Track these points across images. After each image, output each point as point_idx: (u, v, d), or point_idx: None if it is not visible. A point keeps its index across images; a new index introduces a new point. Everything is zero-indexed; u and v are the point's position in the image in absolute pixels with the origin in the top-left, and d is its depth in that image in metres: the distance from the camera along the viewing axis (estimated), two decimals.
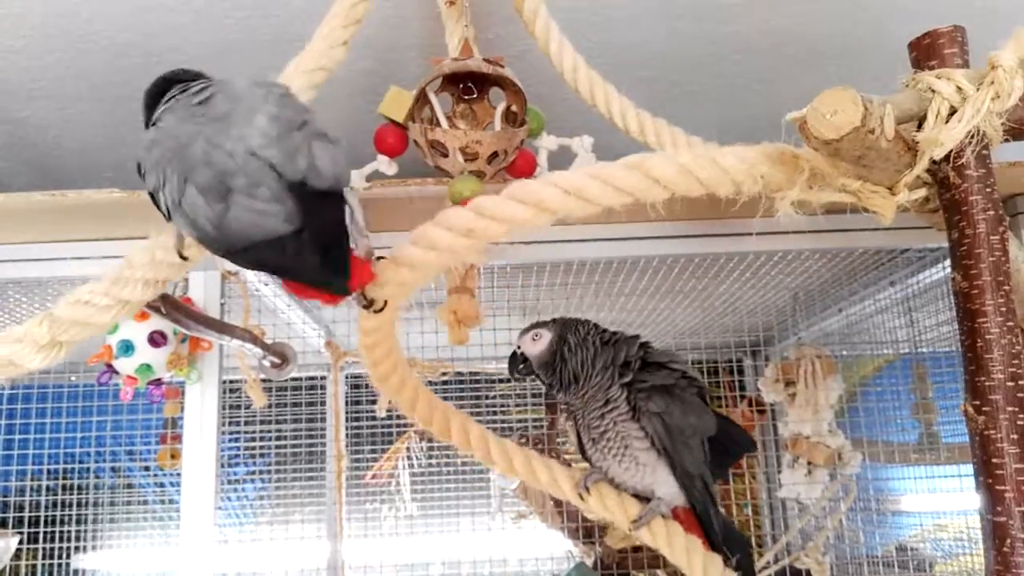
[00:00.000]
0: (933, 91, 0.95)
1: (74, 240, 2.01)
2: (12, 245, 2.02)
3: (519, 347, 1.60)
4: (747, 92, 2.32)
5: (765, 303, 2.59)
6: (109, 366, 1.85)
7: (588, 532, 2.40)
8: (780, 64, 2.15)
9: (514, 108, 1.56)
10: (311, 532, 3.41)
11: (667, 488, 1.50)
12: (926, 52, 1.01)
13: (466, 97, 1.60)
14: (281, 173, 1.07)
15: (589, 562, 2.39)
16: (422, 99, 1.54)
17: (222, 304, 1.99)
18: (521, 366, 1.59)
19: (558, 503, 2.46)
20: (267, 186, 1.07)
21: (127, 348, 1.80)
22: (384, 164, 1.59)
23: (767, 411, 2.98)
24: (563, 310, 2.60)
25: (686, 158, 0.91)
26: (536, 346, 1.56)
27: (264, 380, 2.17)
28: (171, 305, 1.55)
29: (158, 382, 1.92)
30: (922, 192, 1.00)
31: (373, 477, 3.44)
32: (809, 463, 2.47)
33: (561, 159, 1.65)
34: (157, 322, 1.81)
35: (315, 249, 1.06)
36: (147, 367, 1.82)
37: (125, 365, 1.82)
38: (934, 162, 0.96)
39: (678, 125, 1.71)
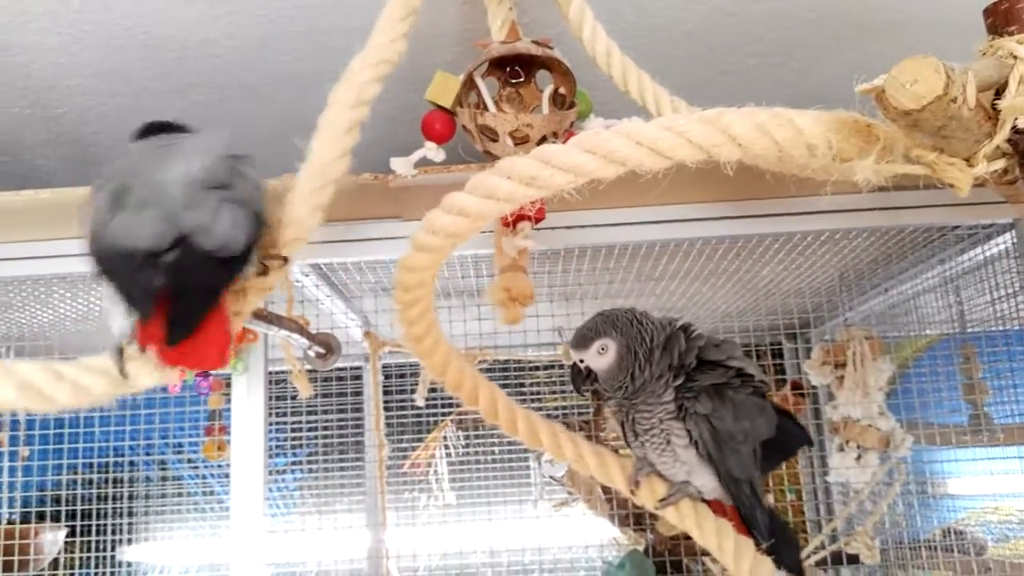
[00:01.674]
0: (1015, 57, 0.91)
1: None
2: (57, 241, 2.03)
3: (582, 360, 1.45)
4: (785, 70, 2.28)
5: (810, 284, 2.55)
6: None
7: (638, 519, 2.38)
8: (819, 41, 2.11)
9: (562, 90, 1.54)
10: (351, 522, 3.43)
11: (703, 481, 1.46)
12: (1004, 17, 0.97)
13: (513, 81, 1.57)
14: (173, 214, 1.14)
15: (640, 549, 2.37)
16: (469, 84, 1.52)
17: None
18: (586, 379, 1.45)
19: (607, 490, 2.45)
20: (155, 210, 1.14)
21: None
22: (432, 150, 1.58)
23: (809, 395, 2.95)
24: (603, 295, 2.57)
25: (764, 116, 0.87)
26: (603, 360, 1.42)
27: (308, 371, 2.17)
28: None
29: (205, 374, 1.93)
30: (1000, 163, 0.97)
31: (411, 466, 3.45)
32: (859, 447, 2.43)
33: None
34: None
35: (166, 296, 1.12)
36: None
37: None
38: (1015, 131, 0.93)
39: (716, 105, 1.68)
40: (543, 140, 1.48)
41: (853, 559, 2.49)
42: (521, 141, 1.47)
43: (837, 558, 2.49)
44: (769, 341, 3.30)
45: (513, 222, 1.56)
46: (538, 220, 1.61)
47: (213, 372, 1.96)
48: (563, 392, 3.41)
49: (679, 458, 1.43)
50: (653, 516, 2.38)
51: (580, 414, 3.10)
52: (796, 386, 2.92)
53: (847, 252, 2.23)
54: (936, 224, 2.05)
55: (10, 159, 3.15)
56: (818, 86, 2.44)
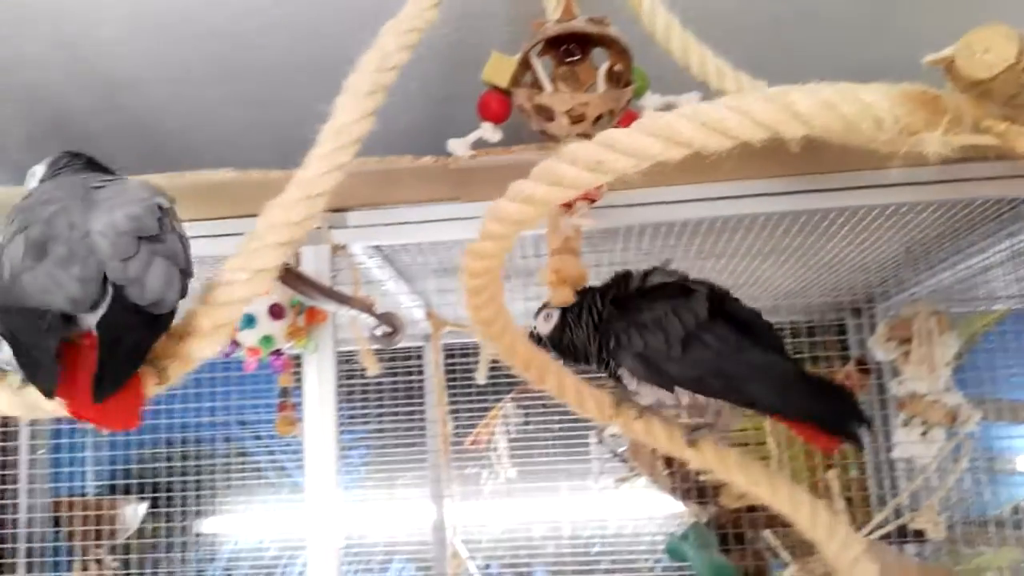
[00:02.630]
0: None
1: (188, 220, 2.09)
2: None
3: (535, 327, 1.55)
4: (844, 43, 2.24)
5: (875, 259, 2.51)
6: (232, 340, 1.93)
7: (701, 492, 2.40)
8: (878, 12, 2.07)
9: (618, 68, 1.54)
10: (415, 496, 3.52)
11: (689, 400, 1.43)
12: None
13: (568, 59, 1.58)
14: (103, 266, 1.07)
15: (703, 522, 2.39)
16: (524, 64, 1.53)
17: (332, 276, 2.06)
18: (538, 344, 1.54)
19: (669, 463, 2.47)
20: (82, 266, 1.06)
21: (249, 321, 1.87)
22: (488, 131, 1.58)
23: (874, 371, 2.91)
24: None
25: (829, 91, 0.87)
26: (547, 325, 1.53)
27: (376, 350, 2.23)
28: (296, 277, 1.61)
29: (277, 353, 2.00)
30: None
31: (472, 443, 3.51)
32: (924, 422, 2.40)
33: None
34: (276, 295, 1.88)
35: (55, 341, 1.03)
36: (268, 339, 1.89)
37: (248, 337, 1.89)
38: None
39: (775, 79, 1.64)
40: (599, 119, 1.49)
41: (919, 535, 2.46)
42: (577, 120, 1.48)
43: (902, 533, 2.47)
44: (832, 318, 3.26)
45: (571, 202, 1.58)
46: (595, 200, 1.63)
47: (286, 351, 2.03)
48: None
49: (645, 393, 1.45)
50: (716, 489, 2.40)
51: None
52: (860, 362, 2.89)
53: (913, 226, 2.19)
54: (1006, 196, 2.00)
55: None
56: (879, 58, 2.39)
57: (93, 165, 1.36)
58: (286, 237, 1.18)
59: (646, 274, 1.52)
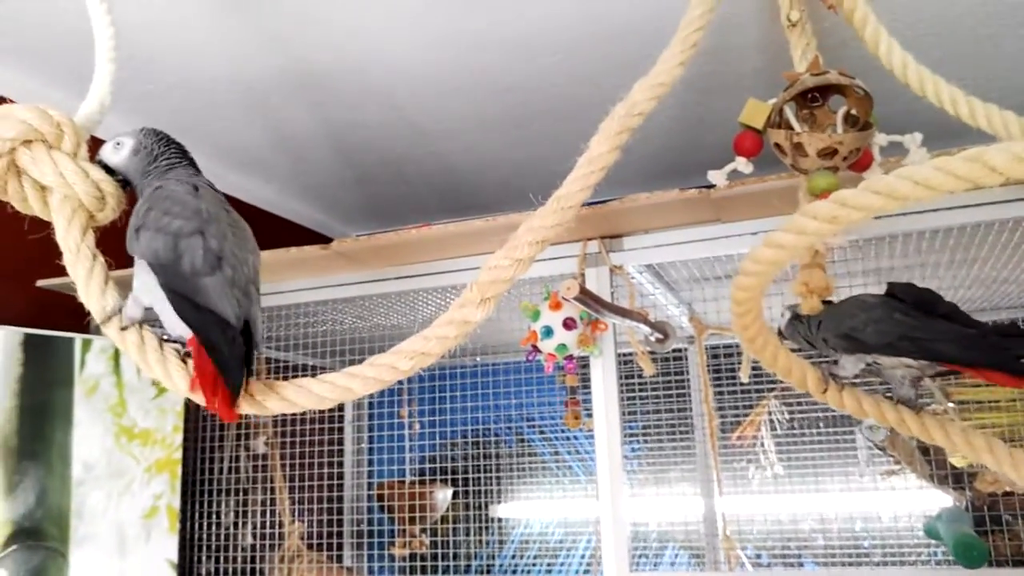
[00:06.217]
0: None
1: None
2: (458, 258, 2.63)
3: (779, 326, 1.90)
4: None
5: None
6: (534, 347, 2.36)
7: (957, 478, 2.46)
8: None
9: (854, 111, 1.75)
10: (683, 489, 3.80)
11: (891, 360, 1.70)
12: None
13: (811, 104, 1.80)
14: (243, 300, 1.40)
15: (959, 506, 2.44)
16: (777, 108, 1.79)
17: (611, 292, 2.43)
18: (780, 334, 1.89)
19: (924, 451, 2.54)
20: (241, 291, 1.40)
21: (548, 332, 2.30)
22: (742, 164, 1.85)
23: None
24: (929, 276, 2.64)
25: (1019, 147, 1.01)
26: (782, 322, 1.91)
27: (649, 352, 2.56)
28: (590, 296, 1.99)
29: (570, 358, 2.41)
30: None
31: (737, 439, 3.71)
32: None
33: (889, 152, 1.83)
34: (568, 310, 2.29)
35: (242, 352, 1.36)
36: (563, 346, 2.30)
37: (547, 345, 2.32)
38: None
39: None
40: (849, 154, 1.71)
41: None
42: (827, 155, 1.71)
43: None
44: None
45: None
46: None
47: (576, 356, 2.43)
48: None
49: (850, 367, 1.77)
50: (972, 474, 2.45)
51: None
52: None
53: None
54: None
55: (391, 188, 3.97)
56: None
57: (194, 164, 1.59)
58: (540, 237, 1.51)
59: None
